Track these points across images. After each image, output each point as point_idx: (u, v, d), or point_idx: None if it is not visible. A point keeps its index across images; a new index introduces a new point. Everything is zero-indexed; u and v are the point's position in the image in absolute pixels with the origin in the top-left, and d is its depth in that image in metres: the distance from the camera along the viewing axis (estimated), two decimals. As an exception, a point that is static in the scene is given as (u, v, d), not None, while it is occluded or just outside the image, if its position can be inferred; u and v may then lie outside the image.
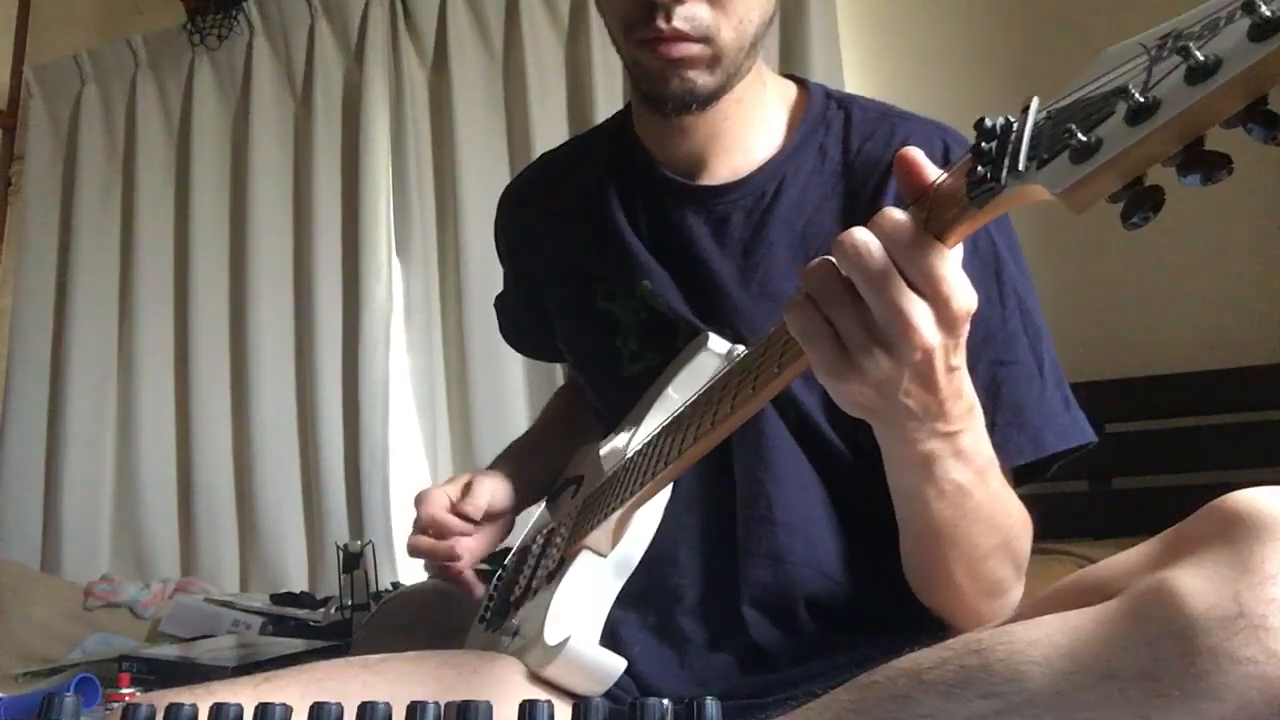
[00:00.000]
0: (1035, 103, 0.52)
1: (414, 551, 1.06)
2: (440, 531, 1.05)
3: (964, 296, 0.61)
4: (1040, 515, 0.86)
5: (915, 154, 0.62)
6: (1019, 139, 0.51)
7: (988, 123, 0.54)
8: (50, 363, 3.07)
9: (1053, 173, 0.48)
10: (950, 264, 0.60)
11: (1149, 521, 0.74)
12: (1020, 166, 0.51)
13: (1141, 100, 0.43)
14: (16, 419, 3.06)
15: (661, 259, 1.00)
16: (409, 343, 2.76)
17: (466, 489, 1.08)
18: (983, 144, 0.54)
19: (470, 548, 1.06)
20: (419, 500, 1.06)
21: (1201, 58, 0.41)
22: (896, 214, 0.60)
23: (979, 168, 0.54)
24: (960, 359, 0.66)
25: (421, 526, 1.05)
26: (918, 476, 0.74)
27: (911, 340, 0.60)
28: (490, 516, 1.08)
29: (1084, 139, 0.46)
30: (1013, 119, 0.53)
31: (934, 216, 0.59)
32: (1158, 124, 0.43)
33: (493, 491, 1.08)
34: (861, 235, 0.60)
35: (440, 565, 1.06)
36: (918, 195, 0.62)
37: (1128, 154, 0.45)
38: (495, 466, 1.16)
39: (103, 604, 2.41)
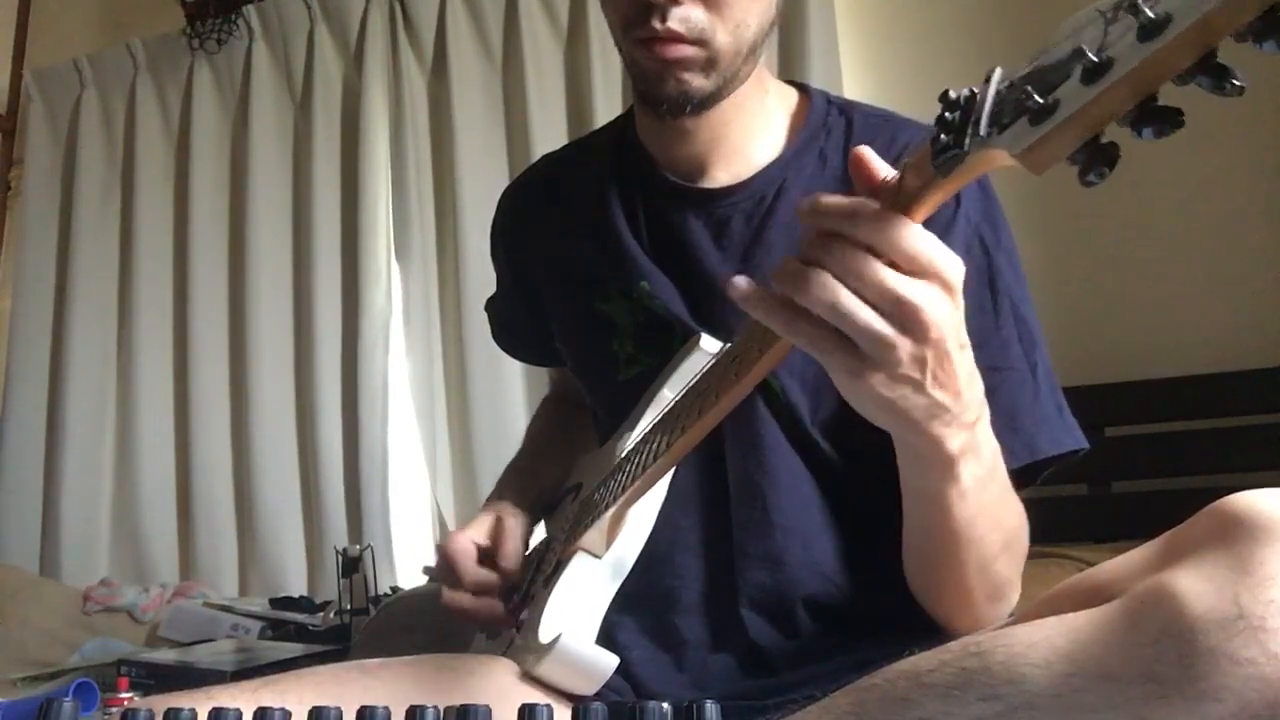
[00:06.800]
0: (998, 72, 0.53)
1: (457, 610, 0.98)
2: (481, 589, 0.99)
3: (950, 264, 0.60)
4: (1040, 519, 0.86)
5: (865, 153, 0.62)
6: (981, 106, 0.52)
7: (952, 94, 0.55)
8: (49, 367, 3.06)
9: (1013, 135, 0.50)
10: (924, 237, 0.59)
11: (1148, 525, 0.74)
12: (982, 132, 0.52)
13: (1096, 60, 0.45)
14: (16, 422, 3.05)
15: (660, 261, 1.01)
16: (408, 347, 2.76)
17: (494, 533, 1.03)
18: (947, 114, 0.55)
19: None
20: (446, 552, 1.00)
21: (1152, 15, 0.43)
22: (861, 201, 0.60)
23: (943, 136, 0.55)
24: (965, 336, 0.64)
25: (467, 585, 0.99)
26: (942, 479, 0.72)
27: (922, 319, 0.59)
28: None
29: (1041, 101, 0.47)
30: (976, 89, 0.54)
31: (902, 193, 0.59)
32: (1111, 81, 0.45)
33: (522, 538, 1.04)
34: (835, 216, 0.60)
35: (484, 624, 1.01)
36: (874, 192, 0.61)
37: (1084, 112, 0.46)
38: (504, 494, 1.11)
39: (101, 608, 2.41)
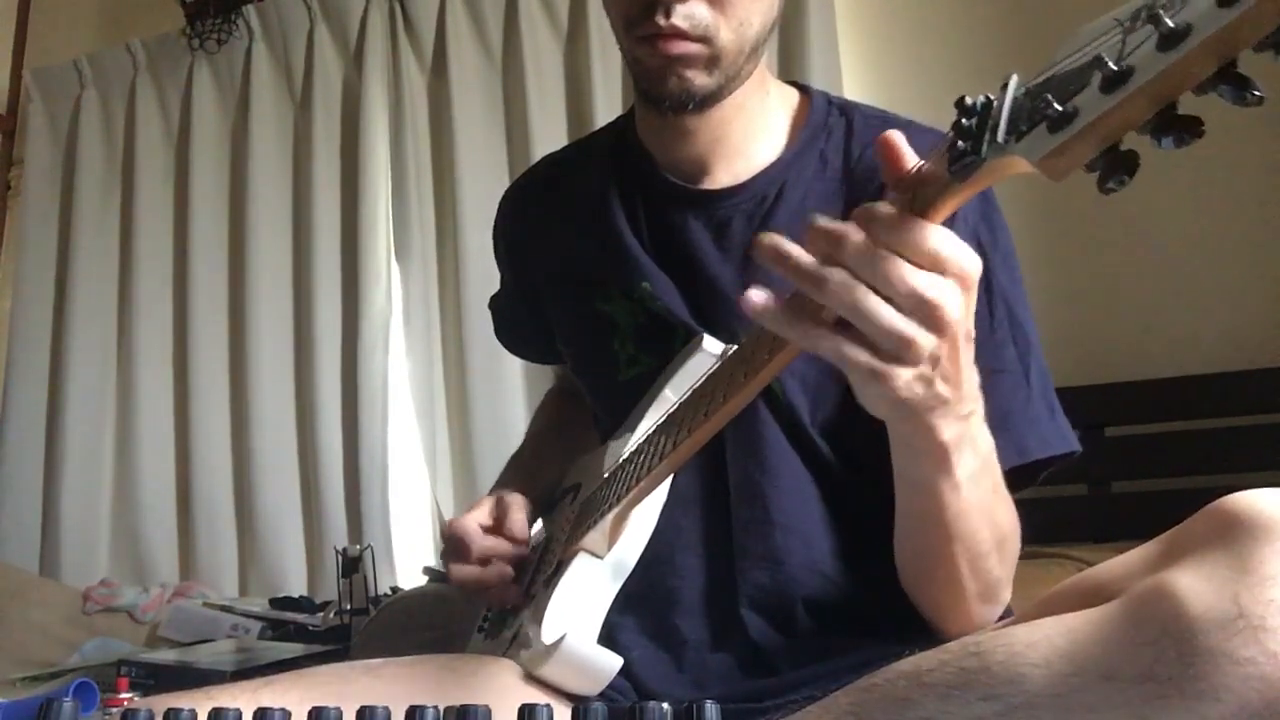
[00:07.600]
0: (1015, 79, 0.54)
1: (467, 582, 0.99)
2: (488, 559, 0.99)
3: (968, 260, 0.61)
4: (1039, 519, 0.86)
5: (896, 138, 0.62)
6: (998, 113, 0.53)
7: (968, 100, 0.55)
8: (49, 366, 3.06)
9: (1031, 143, 0.50)
10: (942, 235, 0.59)
11: (1148, 524, 0.74)
12: (1000, 139, 0.52)
13: (1115, 69, 0.45)
14: (15, 422, 3.05)
15: (662, 262, 1.01)
16: (408, 347, 2.76)
17: (496, 511, 1.03)
18: (963, 120, 0.55)
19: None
20: (454, 530, 1.00)
21: (1172, 25, 0.43)
22: (876, 205, 0.60)
23: (960, 143, 0.55)
24: (972, 327, 0.65)
25: (475, 555, 0.99)
26: (935, 469, 0.73)
27: (941, 315, 0.59)
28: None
29: (1060, 108, 0.47)
30: (992, 96, 0.54)
31: (918, 198, 0.59)
32: (1131, 90, 0.45)
33: (525, 510, 1.05)
34: (856, 233, 0.60)
35: (495, 594, 1.01)
36: (899, 181, 0.62)
37: (1103, 121, 0.46)
38: (507, 484, 1.11)
39: (101, 608, 2.41)
